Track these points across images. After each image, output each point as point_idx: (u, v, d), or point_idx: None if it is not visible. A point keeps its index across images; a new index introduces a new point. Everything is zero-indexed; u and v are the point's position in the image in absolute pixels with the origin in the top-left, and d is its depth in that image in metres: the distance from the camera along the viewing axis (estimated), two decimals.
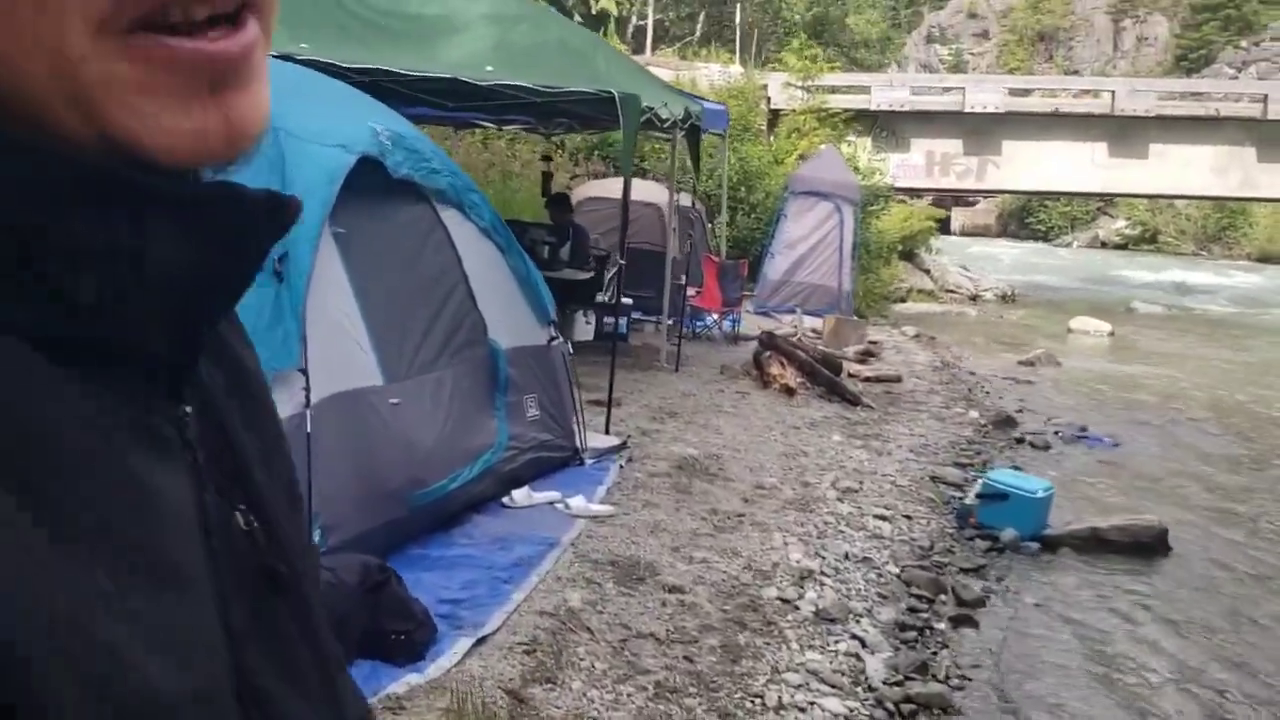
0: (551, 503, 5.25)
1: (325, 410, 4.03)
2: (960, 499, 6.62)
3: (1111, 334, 17.52)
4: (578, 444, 5.96)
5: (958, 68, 50.85)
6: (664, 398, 8.32)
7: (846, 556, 5.12)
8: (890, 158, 23.89)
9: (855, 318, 15.09)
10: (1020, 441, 8.63)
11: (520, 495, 5.22)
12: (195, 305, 0.52)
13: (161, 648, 0.46)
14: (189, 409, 0.54)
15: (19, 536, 0.41)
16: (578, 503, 5.21)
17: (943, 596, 4.86)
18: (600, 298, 10.66)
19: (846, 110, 23.58)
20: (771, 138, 22.36)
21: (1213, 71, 45.07)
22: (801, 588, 4.64)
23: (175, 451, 0.52)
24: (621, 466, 6.05)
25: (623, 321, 10.69)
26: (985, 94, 26.54)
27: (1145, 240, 44.85)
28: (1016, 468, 7.19)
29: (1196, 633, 4.95)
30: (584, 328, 10.22)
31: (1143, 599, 5.23)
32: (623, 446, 6.48)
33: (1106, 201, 45.43)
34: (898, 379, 10.78)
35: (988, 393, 10.90)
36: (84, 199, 0.45)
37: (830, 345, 12.22)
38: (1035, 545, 5.81)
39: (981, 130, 26.85)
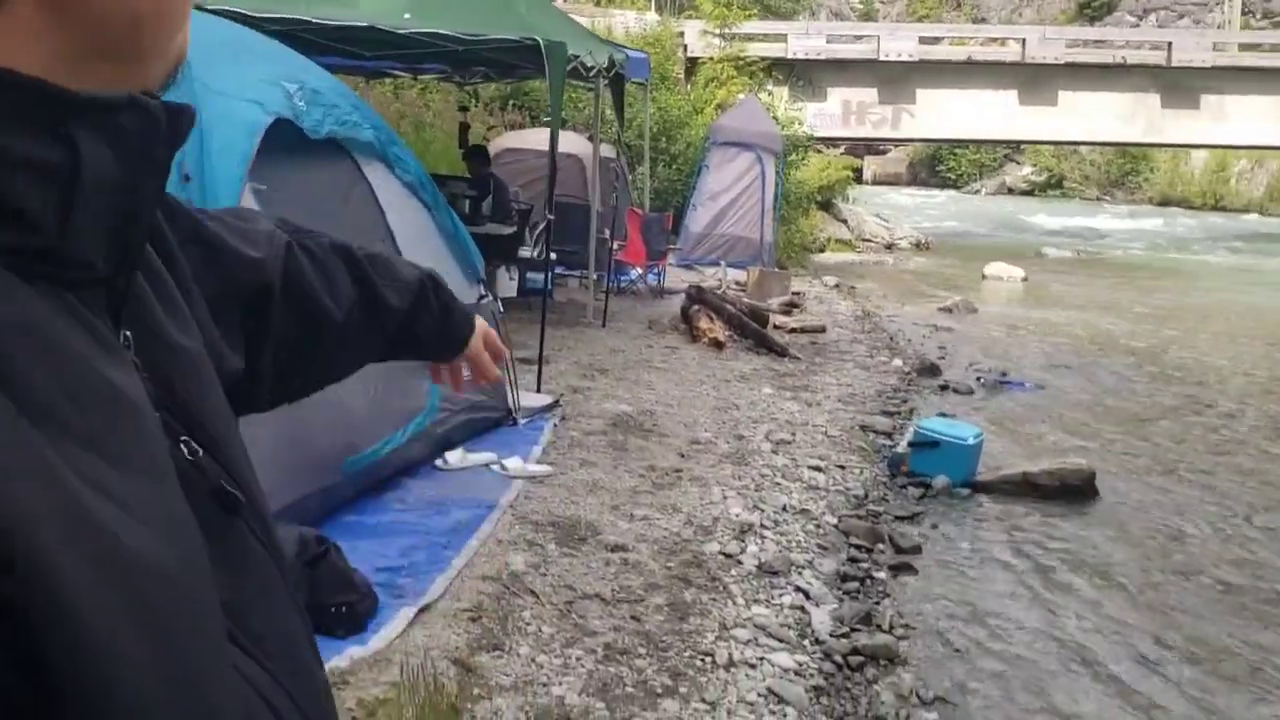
0: (487, 464, 5.15)
1: None
2: (891, 448, 6.68)
3: (1025, 279, 17.87)
4: (510, 404, 5.86)
5: (869, 16, 51.03)
6: (593, 354, 8.24)
7: (785, 509, 5.12)
8: (807, 107, 23.90)
9: (778, 269, 15.15)
10: (945, 388, 8.75)
11: (454, 457, 5.11)
12: (127, 217, 0.55)
13: (147, 523, 0.49)
14: (129, 334, 0.58)
15: (3, 419, 0.44)
16: (514, 463, 5.12)
17: (880, 545, 4.90)
18: (525, 252, 10.51)
19: (764, 59, 23.52)
20: (689, 87, 22.21)
21: (1115, 19, 45.91)
22: (743, 541, 4.63)
23: (130, 365, 0.56)
24: (555, 425, 5.97)
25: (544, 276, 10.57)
26: (899, 42, 26.68)
27: (1051, 186, 45.87)
28: (944, 414, 7.28)
29: (1125, 576, 5.07)
30: (507, 284, 10.07)
31: (1073, 543, 5.34)
32: (555, 405, 6.40)
33: (1014, 148, 46.33)
34: (822, 329, 10.83)
35: (909, 341, 11.03)
36: (23, 115, 0.48)
37: (755, 297, 12.24)
38: (966, 491, 5.89)
39: (896, 79, 27.02)
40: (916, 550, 4.88)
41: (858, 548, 4.81)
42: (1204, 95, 26.62)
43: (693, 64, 23.41)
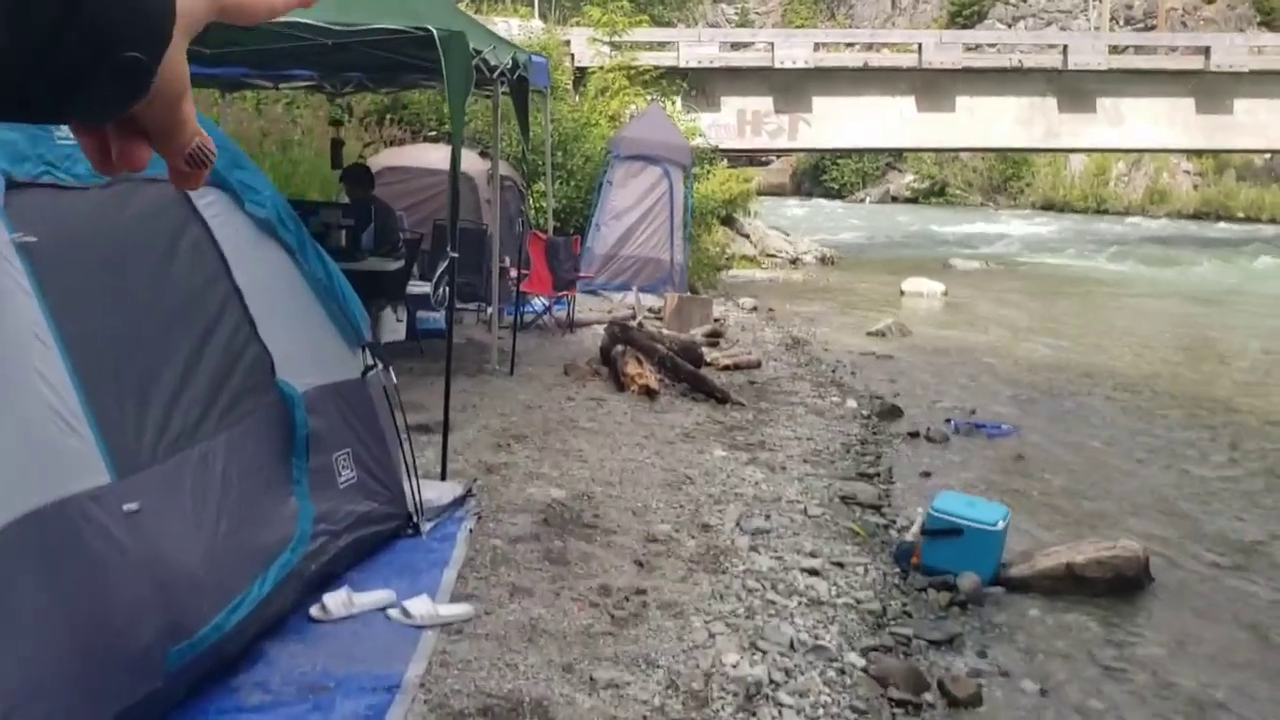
0: (383, 609, 3.71)
1: (11, 544, 2.42)
2: (885, 527, 5.45)
3: (945, 294, 17.04)
4: (410, 507, 4.43)
5: (744, 26, 50.62)
6: (505, 414, 6.83)
7: (792, 646, 3.81)
8: (701, 117, 22.85)
9: (691, 293, 13.92)
10: (915, 436, 7.58)
11: (336, 602, 3.66)
12: None
13: None
14: None
15: None
16: (420, 606, 3.69)
17: (928, 696, 3.62)
18: (416, 288, 9.05)
19: (656, 68, 22.43)
20: (579, 98, 20.93)
21: (986, 27, 46.37)
22: (754, 715, 3.30)
23: None
24: (471, 530, 4.55)
25: (439, 315, 9.13)
26: (794, 49, 25.87)
27: (935, 193, 46.25)
28: (942, 483, 6.07)
29: (1235, 697, 3.91)
30: (393, 326, 8.58)
31: (1157, 660, 4.17)
32: (468, 496, 4.99)
33: (896, 157, 46.54)
34: (757, 364, 9.61)
35: (854, 374, 9.88)
36: None
37: (674, 327, 10.97)
38: (1000, 591, 4.68)
39: (792, 87, 26.21)
40: (976, 701, 3.62)
41: (901, 705, 3.52)
42: (1100, 98, 26.49)
43: (581, 74, 22.16)
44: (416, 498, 4.43)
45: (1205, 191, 41.37)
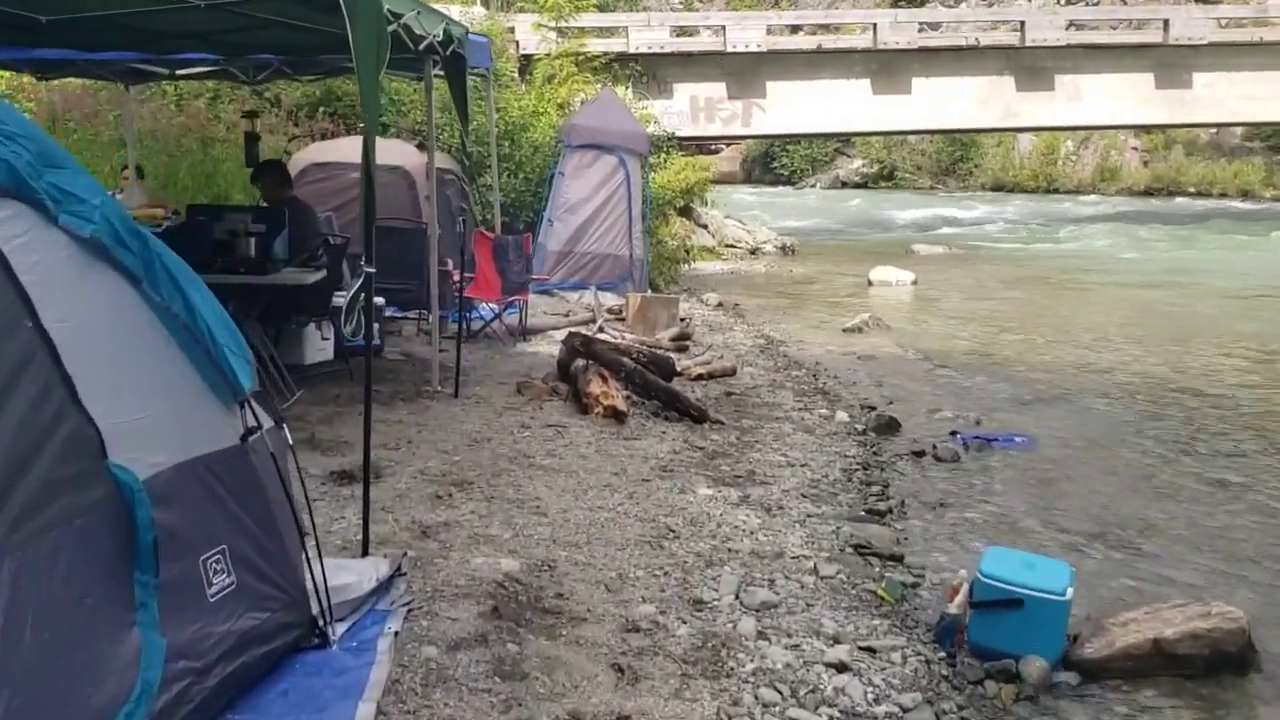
0: None
1: None
2: (910, 586, 4.47)
3: (915, 283, 16.18)
4: (315, 609, 3.36)
5: (689, 10, 49.62)
6: (446, 451, 5.77)
7: None
8: (654, 105, 21.80)
9: (652, 289, 12.91)
10: (920, 455, 6.63)
11: None
12: None
13: None
14: None
15: None
16: None
17: None
18: (343, 299, 7.95)
19: (605, 54, 21.38)
20: (525, 87, 19.79)
21: (929, 9, 45.79)
22: None
23: None
24: (397, 633, 3.50)
25: (373, 330, 8.01)
26: (746, 32, 24.87)
27: (884, 178, 45.94)
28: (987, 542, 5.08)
29: None
30: (318, 345, 7.48)
31: None
32: (395, 577, 3.93)
33: (844, 142, 46.00)
34: (733, 371, 8.63)
35: (837, 378, 8.92)
36: None
37: (639, 330, 9.96)
38: (1073, 677, 3.72)
39: (745, 71, 25.25)
40: None
41: None
42: (1058, 75, 25.78)
43: (527, 61, 21.01)
44: (322, 595, 3.37)
45: (1156, 168, 41.16)
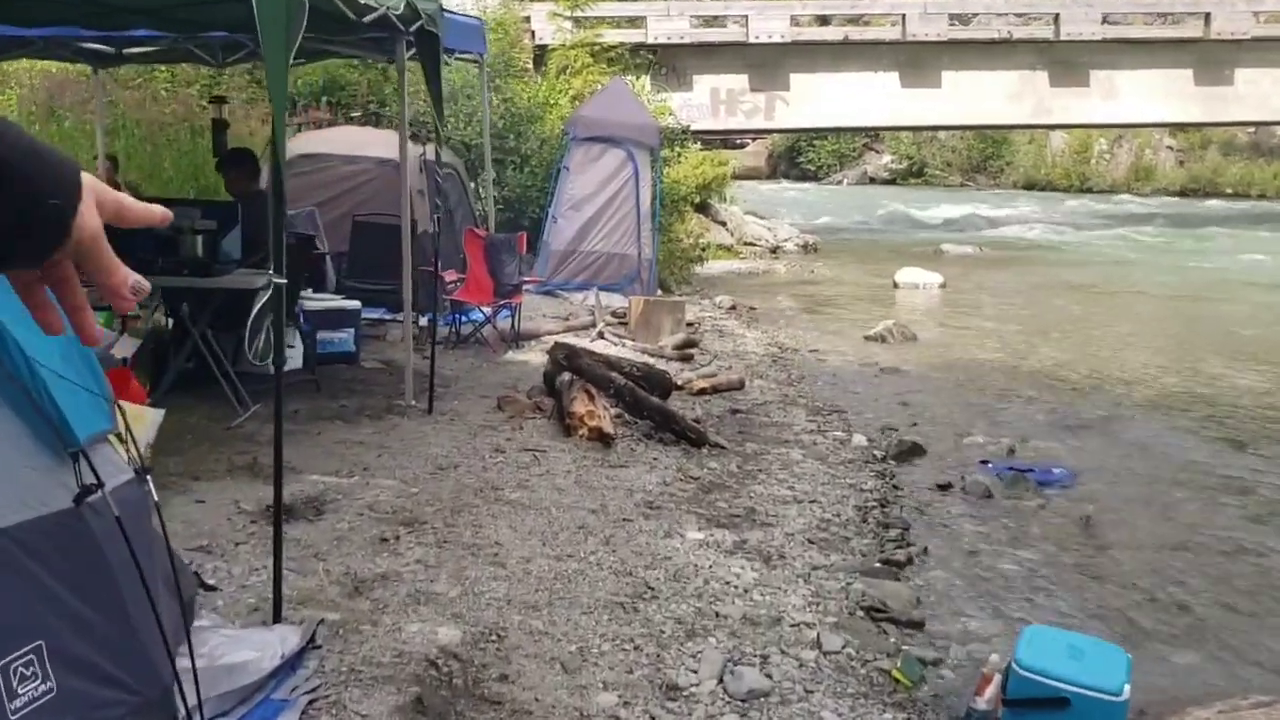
0: None
1: None
2: (931, 664, 3.75)
3: (943, 286, 15.38)
4: (182, 705, 2.67)
5: None
6: (405, 481, 5.08)
7: None
8: (673, 97, 21.10)
9: (662, 293, 12.19)
10: (945, 488, 5.89)
11: None
12: None
13: None
14: None
15: None
16: None
17: None
18: (315, 304, 7.31)
19: (622, 44, 20.71)
20: (539, 78, 19.13)
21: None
22: None
23: None
24: None
25: (347, 335, 7.38)
26: (770, 22, 24.08)
27: (913, 174, 45.17)
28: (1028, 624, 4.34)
29: None
30: (288, 353, 6.80)
31: None
32: (308, 649, 3.25)
33: (873, 137, 45.20)
34: (740, 385, 7.91)
35: (858, 394, 8.19)
36: None
37: (642, 337, 9.25)
38: None
39: (768, 63, 24.46)
40: None
41: None
42: (1093, 71, 24.84)
43: (542, 52, 20.34)
44: (183, 691, 2.67)
45: (1192, 168, 40.11)
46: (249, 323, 5.02)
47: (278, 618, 3.44)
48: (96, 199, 0.72)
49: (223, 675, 3.05)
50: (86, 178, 0.71)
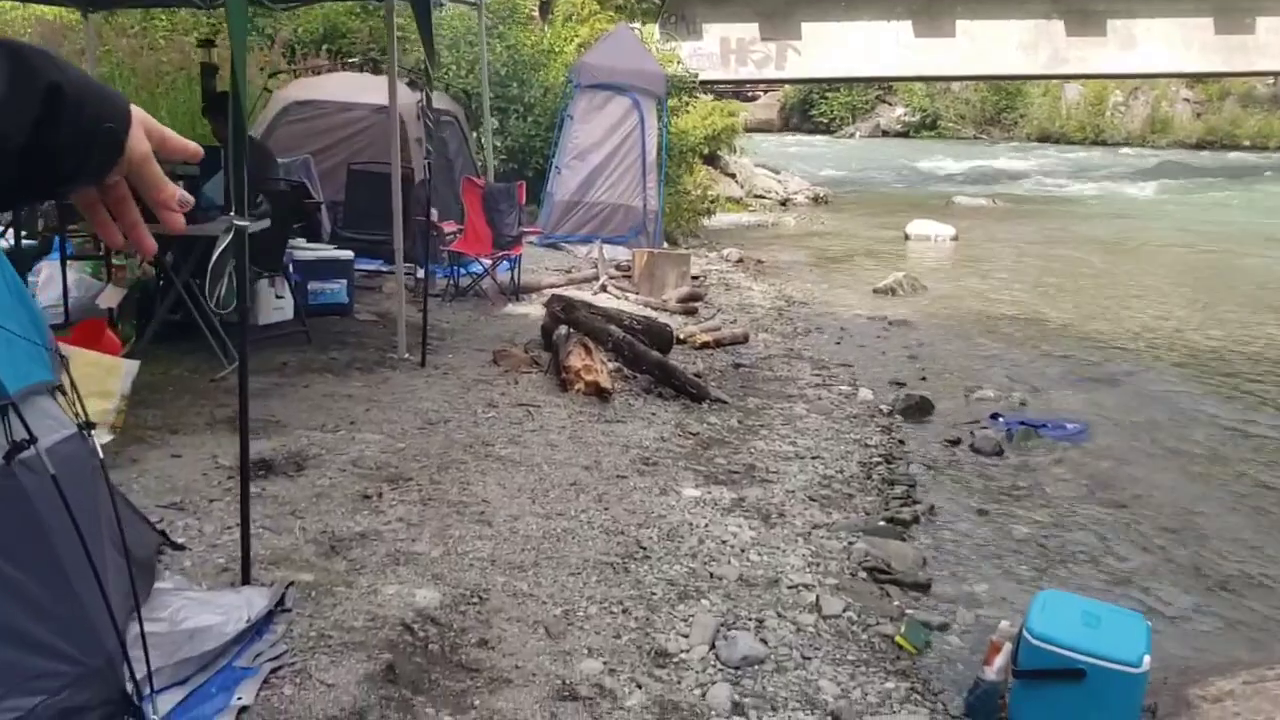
0: None
1: None
2: (937, 628, 3.56)
3: (955, 238, 15.08)
4: (124, 676, 2.49)
5: None
6: (393, 435, 4.89)
7: None
8: (682, 46, 20.67)
9: (668, 246, 11.93)
10: (954, 444, 5.68)
11: None
12: None
13: None
14: None
15: None
16: None
17: None
18: (306, 253, 7.11)
19: None
20: (545, 26, 18.73)
21: None
22: None
23: None
24: (245, 709, 2.63)
25: (339, 286, 7.18)
26: None
27: (926, 126, 44.68)
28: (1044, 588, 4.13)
29: None
30: (274, 305, 6.63)
31: None
32: (277, 612, 3.07)
33: (886, 89, 44.63)
34: (744, 338, 7.69)
35: (864, 347, 7.97)
36: None
37: (645, 290, 9.02)
38: None
39: (778, 12, 23.99)
40: None
41: None
42: (1110, 20, 24.30)
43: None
44: (128, 660, 2.49)
45: (1210, 119, 39.44)
46: (209, 269, 4.79)
47: (246, 579, 3.27)
48: (145, 128, 0.82)
49: (183, 640, 2.88)
50: (135, 109, 0.81)
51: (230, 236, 3.43)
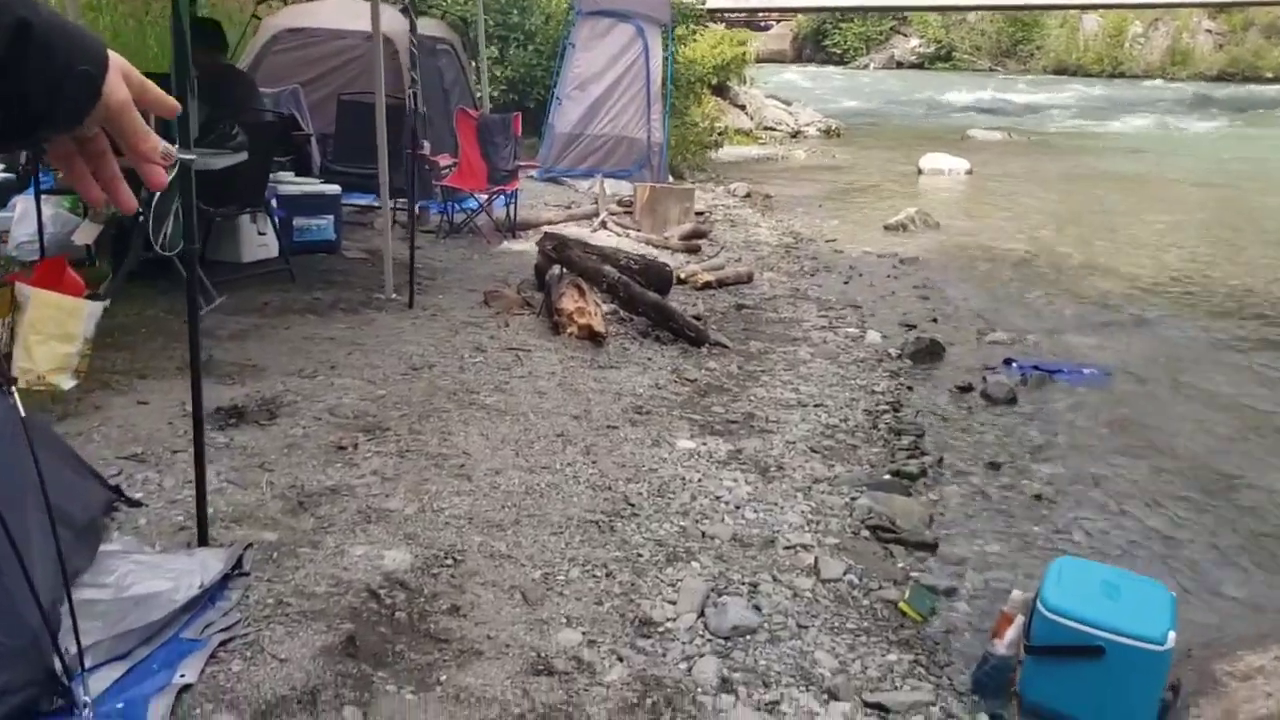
0: None
1: None
2: (945, 593, 3.34)
3: (969, 172, 14.69)
4: (51, 654, 2.28)
5: None
6: (373, 380, 4.66)
7: None
8: None
9: (672, 180, 11.59)
10: (966, 390, 5.42)
11: None
12: None
13: None
14: None
15: None
16: None
17: None
18: (291, 188, 6.82)
19: None
20: None
21: None
22: None
23: None
24: (188, 687, 2.42)
25: (326, 222, 6.90)
26: None
27: (940, 58, 43.83)
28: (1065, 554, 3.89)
29: None
30: (258, 242, 6.36)
31: None
32: (235, 576, 2.86)
33: (900, 20, 43.73)
34: (748, 278, 7.42)
35: (873, 286, 7.68)
36: None
37: (647, 227, 8.73)
38: None
39: None
40: None
41: None
42: None
43: None
44: (56, 636, 2.28)
45: (1232, 50, 38.48)
46: (151, 207, 4.50)
47: (203, 540, 3.05)
48: (124, 74, 0.79)
49: (129, 608, 2.67)
50: (114, 55, 0.79)
51: (175, 172, 3.14)
